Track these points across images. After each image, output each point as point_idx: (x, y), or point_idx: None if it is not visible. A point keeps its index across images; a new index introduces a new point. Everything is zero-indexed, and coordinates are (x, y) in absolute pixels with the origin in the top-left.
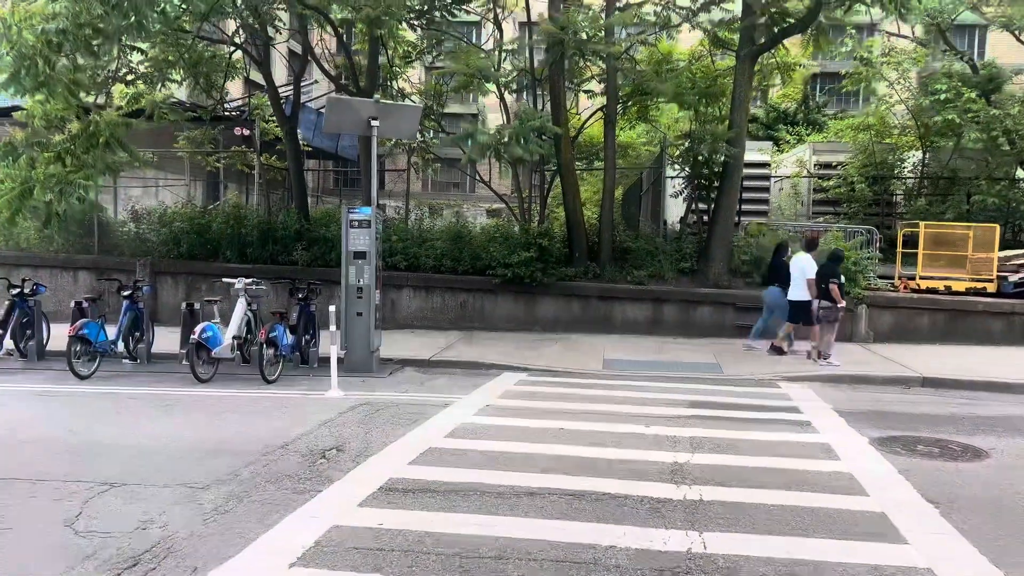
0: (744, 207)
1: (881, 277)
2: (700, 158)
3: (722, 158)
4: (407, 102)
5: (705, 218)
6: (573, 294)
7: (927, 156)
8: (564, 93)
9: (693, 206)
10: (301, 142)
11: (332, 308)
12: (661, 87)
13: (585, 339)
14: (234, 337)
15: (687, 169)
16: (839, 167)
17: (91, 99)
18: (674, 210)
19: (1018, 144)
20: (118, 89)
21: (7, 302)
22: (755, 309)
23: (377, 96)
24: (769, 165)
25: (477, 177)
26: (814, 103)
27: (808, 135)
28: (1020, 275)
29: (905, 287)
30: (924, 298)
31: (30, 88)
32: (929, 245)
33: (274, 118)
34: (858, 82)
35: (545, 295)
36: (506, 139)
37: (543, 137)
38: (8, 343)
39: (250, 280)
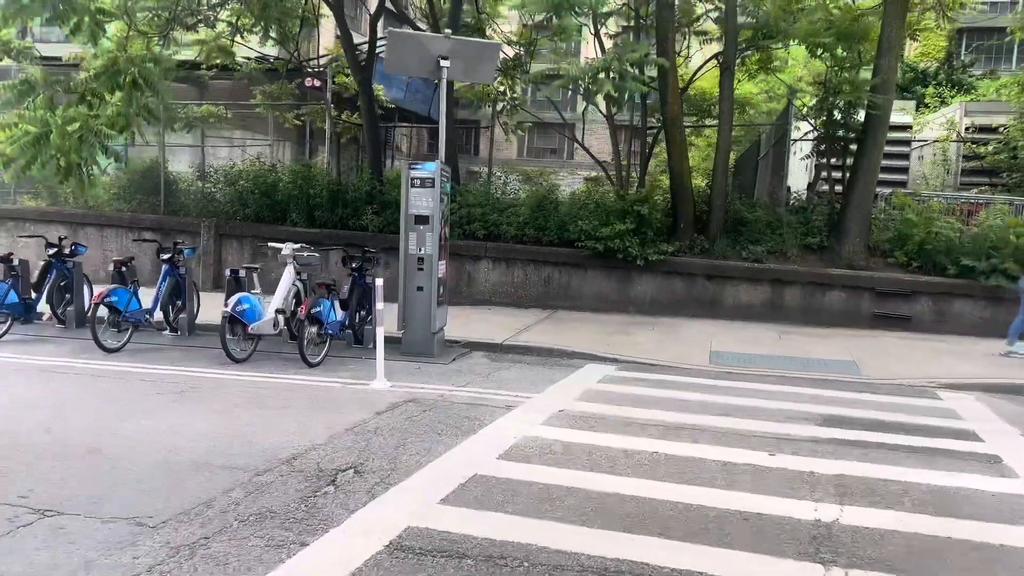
0: (880, 175)
1: None
2: (836, 113)
3: (864, 112)
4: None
5: (838, 187)
6: (675, 271)
7: None
8: (673, 28)
9: (824, 172)
10: (388, 102)
11: (379, 281)
12: (791, 28)
13: (688, 325)
14: (278, 311)
15: (818, 127)
16: (1000, 130)
17: (152, 45)
18: (800, 176)
19: None
20: (190, 36)
21: (42, 263)
22: (898, 295)
23: (447, 31)
24: (911, 128)
25: (567, 135)
26: (959, 62)
27: (953, 96)
28: None
29: None
30: None
31: (38, 12)
32: None
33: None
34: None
35: (642, 272)
36: (601, 73)
37: (645, 77)
38: (44, 307)
39: (298, 245)
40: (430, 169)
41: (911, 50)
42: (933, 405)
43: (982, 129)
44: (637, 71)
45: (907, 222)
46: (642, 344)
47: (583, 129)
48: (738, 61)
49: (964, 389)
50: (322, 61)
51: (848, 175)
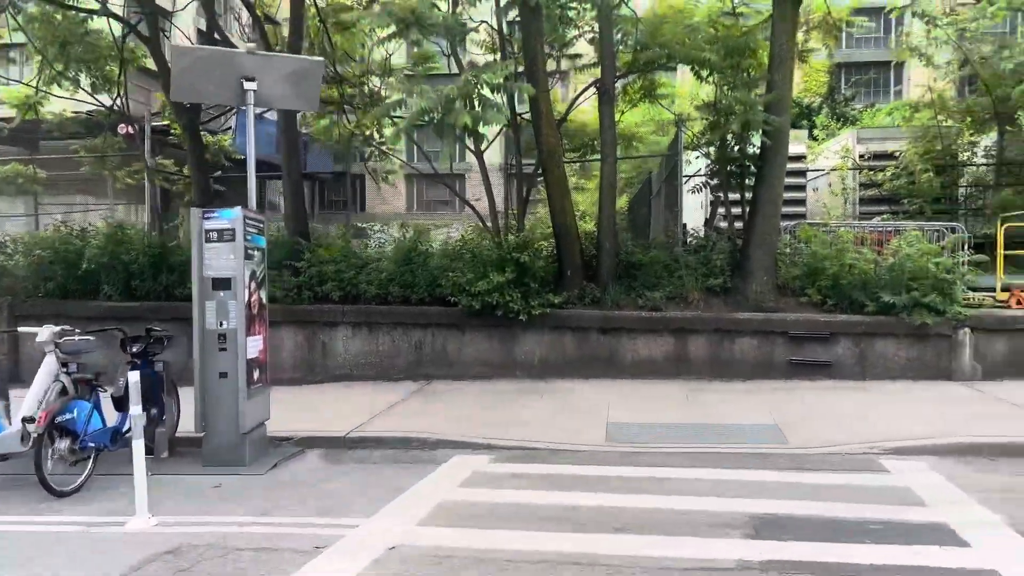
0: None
1: (972, 289)
2: (729, 137)
3: (759, 135)
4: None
5: (739, 223)
6: (565, 326)
7: (1004, 138)
8: (542, 48)
9: (722, 206)
10: (234, 151)
11: (133, 376)
12: (672, 44)
13: (582, 389)
14: (25, 419)
15: (711, 154)
16: (896, 156)
17: None
18: (697, 213)
19: None
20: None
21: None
22: (815, 339)
23: (250, 45)
24: (805, 158)
25: (446, 183)
26: (840, 96)
27: (839, 130)
28: None
29: (1019, 302)
30: None
31: None
32: None
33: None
34: (908, 53)
35: (528, 329)
36: (456, 102)
37: (505, 108)
38: None
39: (59, 329)
40: (228, 218)
41: (796, 84)
42: (885, 483)
43: (877, 156)
44: (503, 99)
45: (817, 255)
46: (527, 420)
47: (483, 174)
48: (620, 89)
49: (912, 454)
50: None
51: (748, 208)
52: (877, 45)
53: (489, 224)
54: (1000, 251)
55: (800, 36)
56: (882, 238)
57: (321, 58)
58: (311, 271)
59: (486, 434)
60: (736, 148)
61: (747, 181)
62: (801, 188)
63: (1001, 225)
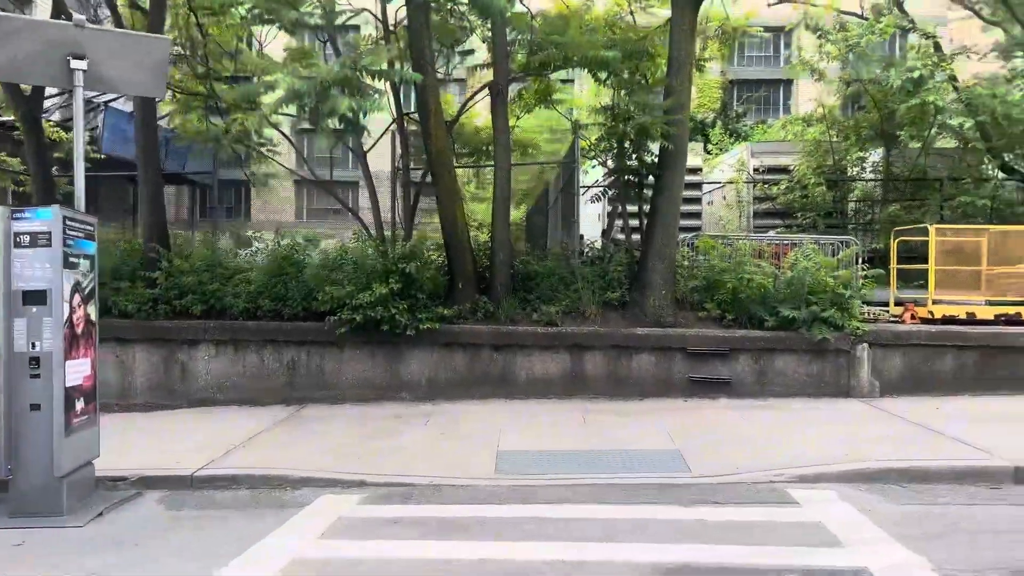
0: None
1: (867, 303)
2: (627, 143)
3: (658, 140)
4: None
5: (637, 236)
6: (456, 342)
7: (891, 153)
8: (430, 43)
9: (620, 217)
10: (93, 151)
11: None
12: (569, 43)
13: (473, 411)
14: None
15: (609, 162)
16: (789, 170)
17: None
18: (594, 222)
19: (995, 137)
20: None
21: None
22: (714, 355)
23: (80, 17)
24: (701, 170)
25: (328, 190)
26: (733, 112)
27: (732, 144)
28: None
29: (913, 317)
30: (946, 331)
31: None
32: (944, 258)
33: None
34: (800, 70)
35: (415, 346)
36: (333, 88)
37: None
38: None
39: None
40: (44, 219)
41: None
42: (796, 518)
43: (771, 170)
44: (388, 92)
45: (715, 268)
46: (408, 449)
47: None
48: (515, 94)
49: (819, 482)
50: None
51: (647, 218)
52: (768, 64)
53: (374, 232)
54: (893, 265)
55: (697, 45)
56: (779, 251)
57: (167, 36)
58: (169, 282)
59: (360, 468)
60: (634, 155)
61: (645, 192)
62: (697, 201)
63: (894, 239)
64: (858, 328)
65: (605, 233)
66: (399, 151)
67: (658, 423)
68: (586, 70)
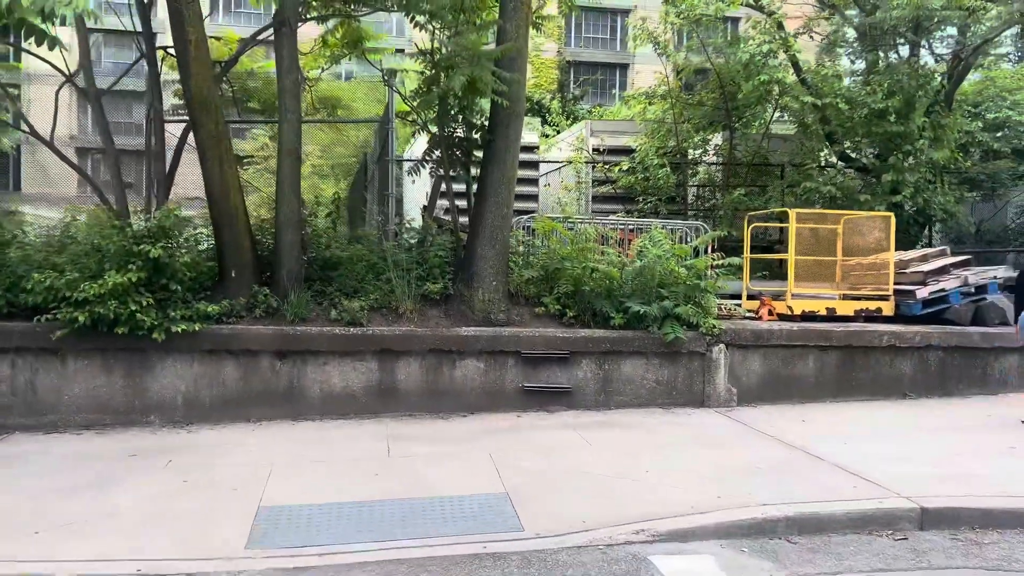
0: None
1: (719, 296)
2: (451, 100)
3: (490, 98)
4: None
5: (465, 219)
6: (225, 349)
7: (734, 135)
8: None
9: (445, 189)
10: None
11: None
12: None
13: (241, 441)
14: None
15: (429, 125)
16: (631, 151)
17: None
18: (414, 197)
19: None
20: None
21: None
22: (554, 359)
23: None
24: (538, 148)
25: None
26: (571, 94)
27: (570, 125)
28: (930, 288)
29: (771, 312)
30: (809, 330)
31: None
32: (802, 247)
33: None
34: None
35: (169, 354)
36: None
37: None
38: None
39: None
40: None
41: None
42: None
43: (612, 151)
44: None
45: (556, 255)
46: (124, 515)
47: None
48: (319, 40)
49: (691, 540)
50: None
51: (476, 190)
52: (606, 46)
53: (115, 202)
54: (747, 254)
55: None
56: (625, 237)
57: None
58: None
59: (30, 554)
60: (460, 116)
61: (474, 157)
62: (533, 182)
63: (748, 225)
64: (714, 326)
65: (427, 209)
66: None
67: (484, 452)
68: (404, 13)
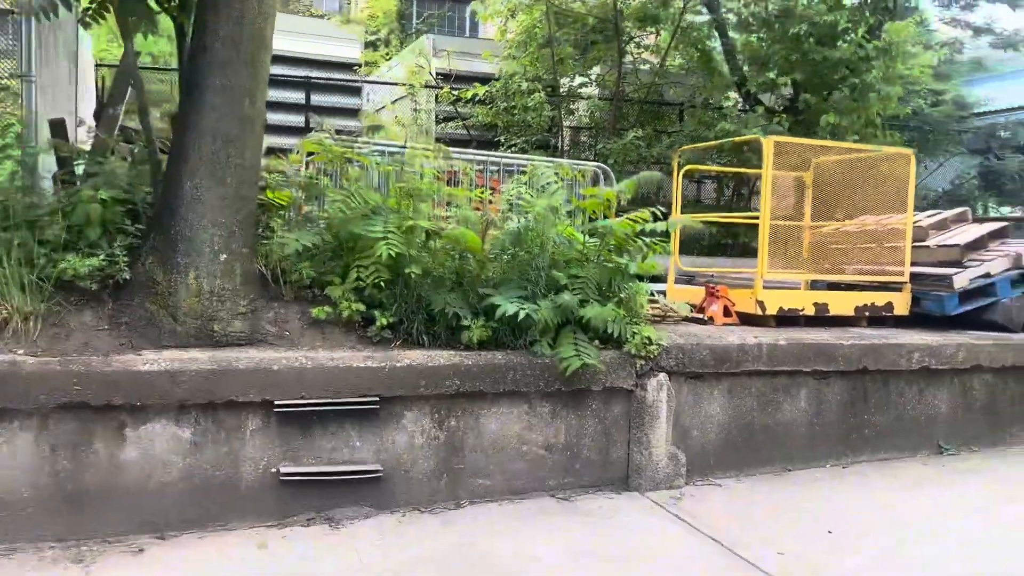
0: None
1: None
2: None
3: None
4: None
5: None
6: None
7: (624, 69)
8: None
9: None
10: None
11: None
12: None
13: None
14: None
15: None
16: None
17: None
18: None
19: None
20: None
21: None
22: (348, 414)
23: None
24: (361, 67)
25: None
26: (413, 30)
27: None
28: (971, 273)
29: (727, 311)
30: (803, 344)
31: None
32: (778, 208)
33: None
34: None
35: None
36: None
37: None
38: None
39: None
40: None
41: (360, 10)
42: None
43: (464, 78)
44: None
45: (355, 208)
46: None
47: None
48: None
49: None
50: None
51: (186, 74)
52: None
53: None
54: (677, 210)
55: None
56: (486, 184)
57: None
58: None
59: None
60: None
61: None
62: (352, 113)
63: (679, 171)
64: (649, 341)
65: (100, 121)
66: None
67: None
68: None
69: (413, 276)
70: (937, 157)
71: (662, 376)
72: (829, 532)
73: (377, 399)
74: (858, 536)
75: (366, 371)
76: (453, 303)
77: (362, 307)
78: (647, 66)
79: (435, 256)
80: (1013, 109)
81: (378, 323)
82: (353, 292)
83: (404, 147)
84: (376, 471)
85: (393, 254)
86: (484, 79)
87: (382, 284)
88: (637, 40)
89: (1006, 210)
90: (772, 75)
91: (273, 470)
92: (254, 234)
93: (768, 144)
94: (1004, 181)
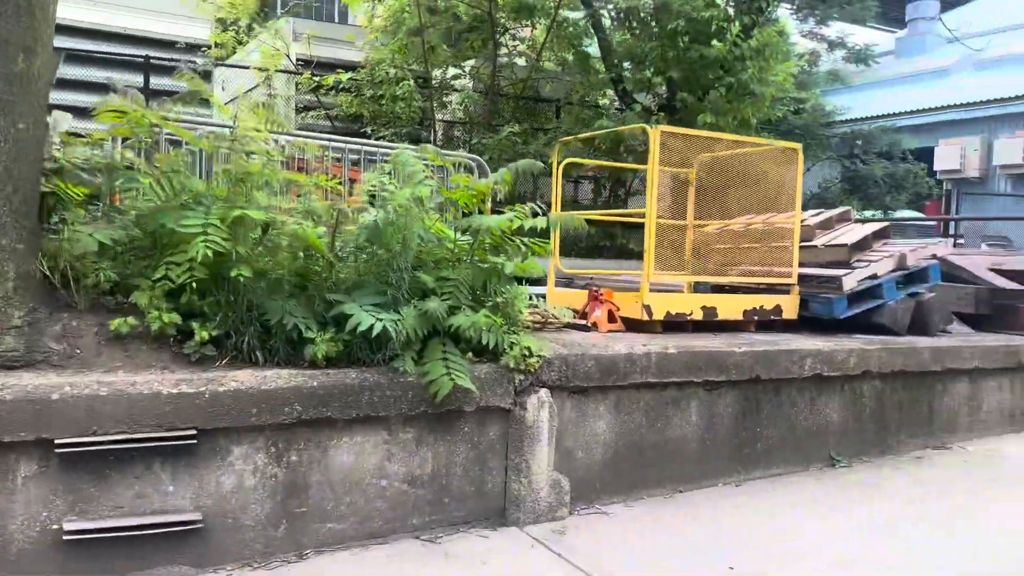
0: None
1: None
2: None
3: None
4: None
5: None
6: None
7: (498, 65)
8: None
9: None
10: None
11: None
12: None
13: None
14: None
15: None
16: (355, 68)
17: None
18: None
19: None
20: None
21: None
22: (157, 452)
23: None
24: (209, 49)
25: None
26: (277, 18)
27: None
28: (859, 275)
29: (612, 316)
30: (694, 352)
31: None
32: (665, 205)
33: None
34: None
35: None
36: None
37: None
38: None
39: None
40: None
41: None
42: None
43: (326, 65)
44: None
45: (171, 196)
46: None
47: None
48: None
49: None
50: None
51: None
52: None
53: None
54: (557, 206)
55: None
56: (342, 176)
57: None
58: None
59: None
60: None
61: None
62: (204, 102)
63: (560, 165)
64: (529, 353)
65: None
66: None
67: None
68: None
69: (242, 279)
70: (806, 162)
71: (543, 392)
72: (731, 568)
73: (194, 432)
74: (763, 569)
75: (180, 398)
76: (294, 312)
77: (177, 318)
78: (523, 59)
79: (273, 255)
80: (872, 118)
81: (197, 337)
82: (166, 299)
83: (234, 126)
84: (195, 521)
85: (210, 253)
86: (350, 67)
87: (198, 288)
88: (513, 32)
89: (868, 213)
90: (648, 73)
91: (55, 527)
92: (37, 226)
93: (655, 134)
94: (868, 185)
